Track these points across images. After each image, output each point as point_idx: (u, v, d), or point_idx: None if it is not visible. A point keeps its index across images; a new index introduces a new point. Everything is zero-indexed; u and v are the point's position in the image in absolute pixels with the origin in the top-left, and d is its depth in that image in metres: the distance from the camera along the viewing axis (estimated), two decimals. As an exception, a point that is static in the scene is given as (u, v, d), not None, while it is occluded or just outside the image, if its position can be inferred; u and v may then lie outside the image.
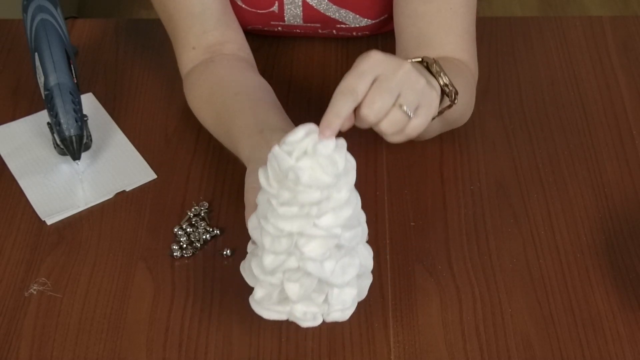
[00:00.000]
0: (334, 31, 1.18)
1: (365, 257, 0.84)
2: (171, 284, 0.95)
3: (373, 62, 0.81)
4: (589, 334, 0.90)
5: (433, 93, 0.85)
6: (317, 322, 0.83)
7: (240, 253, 0.97)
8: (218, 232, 0.99)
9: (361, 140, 1.08)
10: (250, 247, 0.85)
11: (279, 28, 1.18)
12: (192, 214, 1.00)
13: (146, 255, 0.97)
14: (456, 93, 0.91)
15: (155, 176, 1.06)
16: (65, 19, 1.12)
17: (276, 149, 0.77)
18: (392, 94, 0.80)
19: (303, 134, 0.77)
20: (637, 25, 1.25)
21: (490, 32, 1.24)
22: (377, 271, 0.95)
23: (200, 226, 0.98)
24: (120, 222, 1.01)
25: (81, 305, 0.93)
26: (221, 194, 1.03)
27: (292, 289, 0.80)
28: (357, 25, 1.16)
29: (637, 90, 1.16)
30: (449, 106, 0.92)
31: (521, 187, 1.04)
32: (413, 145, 1.08)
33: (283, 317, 0.84)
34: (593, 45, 1.22)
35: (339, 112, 0.78)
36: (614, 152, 1.08)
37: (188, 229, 0.98)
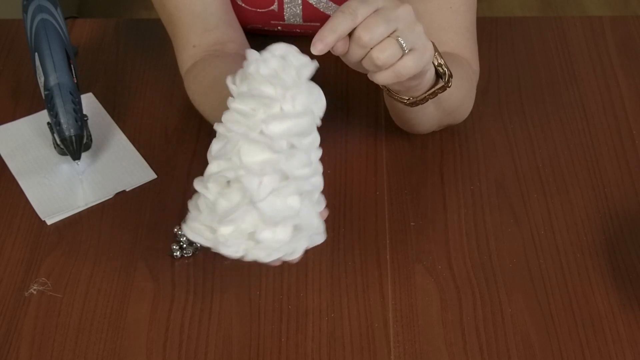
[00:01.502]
0: None
1: (309, 212, 0.78)
2: (171, 284, 0.95)
3: None
4: (589, 334, 0.90)
5: (429, 43, 0.84)
6: (237, 254, 0.77)
7: (240, 253, 0.97)
8: (218, 232, 0.99)
9: (361, 140, 1.08)
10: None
11: (279, 28, 1.18)
12: (192, 214, 1.00)
13: (146, 255, 0.97)
14: (450, 75, 0.91)
15: (155, 176, 1.06)
16: (65, 19, 1.12)
17: (250, 50, 0.78)
18: (390, 24, 0.80)
19: (284, 45, 0.78)
20: (637, 25, 1.25)
21: (490, 32, 1.24)
22: (377, 271, 0.95)
23: (200, 226, 0.98)
24: (120, 222, 1.01)
25: (81, 305, 0.93)
26: (221, 194, 1.03)
27: (222, 204, 0.75)
28: None
29: (637, 90, 1.16)
30: (442, 87, 0.91)
31: (521, 187, 1.04)
32: (413, 145, 1.08)
33: (206, 242, 0.78)
34: (593, 45, 1.22)
35: (334, 27, 0.78)
36: (614, 152, 1.08)
37: (188, 229, 0.98)
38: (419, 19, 1.02)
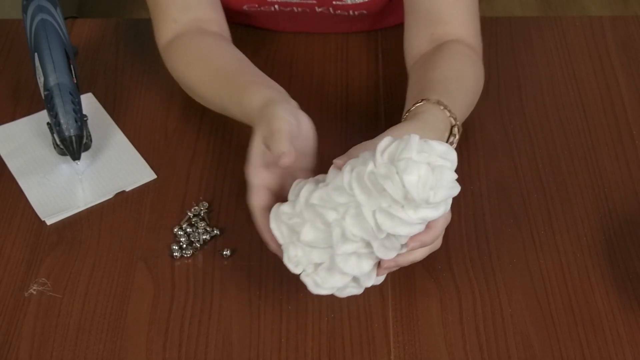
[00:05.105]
0: (331, 9, 1.17)
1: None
2: (171, 284, 0.95)
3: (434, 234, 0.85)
4: (589, 334, 0.90)
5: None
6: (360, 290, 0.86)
7: (240, 253, 0.97)
8: (218, 232, 0.99)
9: (361, 140, 1.08)
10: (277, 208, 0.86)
11: (276, 6, 1.17)
12: (192, 214, 1.00)
13: (146, 255, 0.97)
14: (459, 130, 0.97)
15: (155, 176, 1.06)
16: (65, 19, 1.12)
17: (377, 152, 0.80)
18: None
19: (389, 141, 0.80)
20: (637, 25, 1.25)
21: (490, 32, 1.24)
22: (377, 271, 0.95)
23: (200, 226, 0.98)
24: (120, 222, 1.01)
25: (81, 305, 0.93)
26: (221, 194, 1.03)
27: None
28: (354, 2, 1.15)
29: (637, 90, 1.16)
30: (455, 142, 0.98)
31: (521, 187, 1.04)
32: (413, 145, 1.08)
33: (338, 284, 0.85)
34: (593, 45, 1.22)
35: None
36: (614, 152, 1.08)
37: (188, 229, 0.98)
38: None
